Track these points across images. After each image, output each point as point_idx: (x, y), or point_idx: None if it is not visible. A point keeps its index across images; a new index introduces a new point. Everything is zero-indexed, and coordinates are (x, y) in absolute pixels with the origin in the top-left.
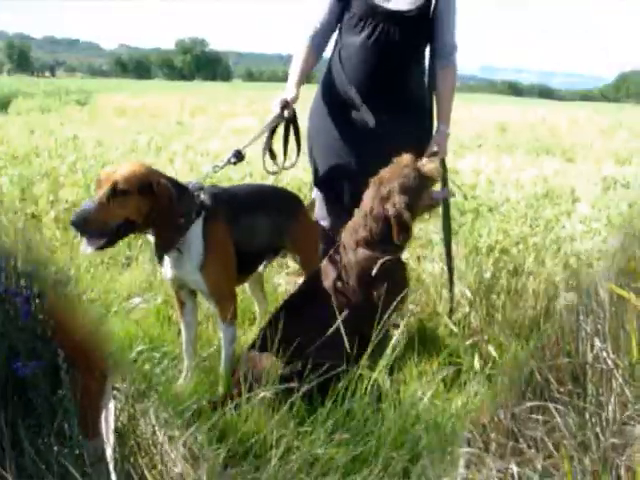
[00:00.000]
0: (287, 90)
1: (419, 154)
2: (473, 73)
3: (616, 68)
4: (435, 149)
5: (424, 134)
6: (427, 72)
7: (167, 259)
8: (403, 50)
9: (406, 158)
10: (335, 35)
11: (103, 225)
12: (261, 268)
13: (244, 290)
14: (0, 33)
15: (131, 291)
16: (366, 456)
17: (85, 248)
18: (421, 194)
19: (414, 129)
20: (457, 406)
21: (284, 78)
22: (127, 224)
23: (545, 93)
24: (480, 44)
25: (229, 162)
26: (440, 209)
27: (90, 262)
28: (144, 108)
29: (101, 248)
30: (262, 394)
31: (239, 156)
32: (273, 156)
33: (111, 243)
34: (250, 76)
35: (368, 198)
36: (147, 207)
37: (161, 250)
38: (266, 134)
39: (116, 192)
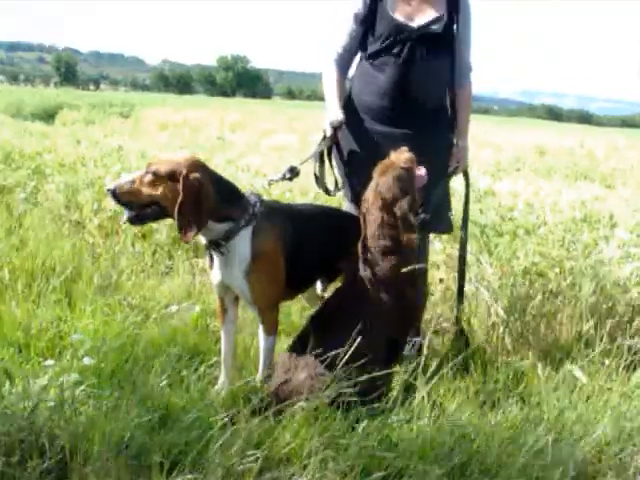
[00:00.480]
0: (333, 112)
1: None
2: (513, 97)
3: None
4: (456, 164)
5: (449, 148)
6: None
7: (217, 263)
8: (429, 67)
9: (383, 164)
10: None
11: (131, 199)
12: (320, 289)
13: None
14: (50, 47)
15: (170, 299)
16: (400, 467)
17: (122, 217)
18: (413, 187)
19: (442, 144)
20: (491, 423)
21: (324, 97)
22: (157, 207)
23: (585, 118)
24: (521, 69)
25: (284, 177)
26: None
27: (132, 270)
28: (185, 122)
29: (130, 221)
30: (299, 404)
31: (294, 172)
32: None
33: (140, 219)
34: (290, 94)
35: (376, 211)
36: (174, 195)
37: (181, 239)
38: (316, 158)
39: (148, 173)
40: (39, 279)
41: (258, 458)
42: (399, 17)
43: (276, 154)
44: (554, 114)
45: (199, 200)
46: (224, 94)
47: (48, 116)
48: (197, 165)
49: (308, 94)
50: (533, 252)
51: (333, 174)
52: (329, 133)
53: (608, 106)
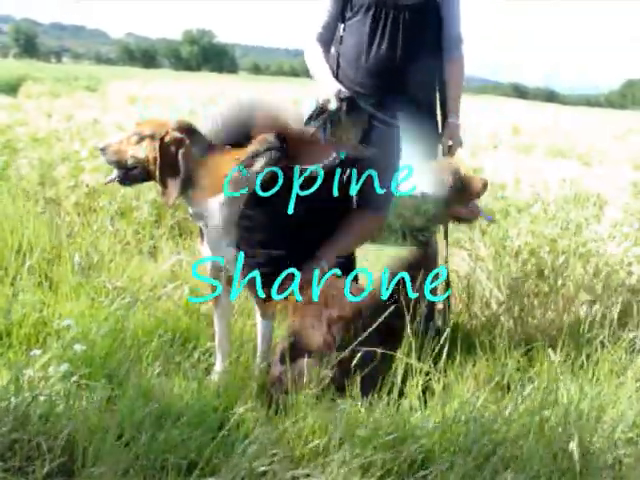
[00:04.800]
0: (330, 84)
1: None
2: (476, 75)
3: (619, 75)
4: (450, 143)
5: (430, 133)
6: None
7: (206, 240)
8: (414, 40)
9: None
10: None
11: (118, 158)
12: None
13: None
14: (7, 17)
15: (156, 281)
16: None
17: (109, 177)
18: None
19: (427, 126)
20: (505, 409)
21: (290, 72)
22: (142, 169)
23: (550, 97)
24: (483, 48)
25: None
26: None
27: (113, 250)
28: (155, 96)
29: (119, 181)
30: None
31: None
32: None
33: (127, 180)
34: (257, 69)
35: None
36: (154, 156)
37: (164, 203)
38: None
39: (135, 134)
40: (14, 260)
41: (283, 458)
42: None
43: None
44: (520, 92)
45: (177, 161)
46: (189, 68)
47: (10, 89)
48: (182, 127)
49: (275, 69)
50: (526, 231)
51: None
52: (334, 106)
53: (572, 86)
